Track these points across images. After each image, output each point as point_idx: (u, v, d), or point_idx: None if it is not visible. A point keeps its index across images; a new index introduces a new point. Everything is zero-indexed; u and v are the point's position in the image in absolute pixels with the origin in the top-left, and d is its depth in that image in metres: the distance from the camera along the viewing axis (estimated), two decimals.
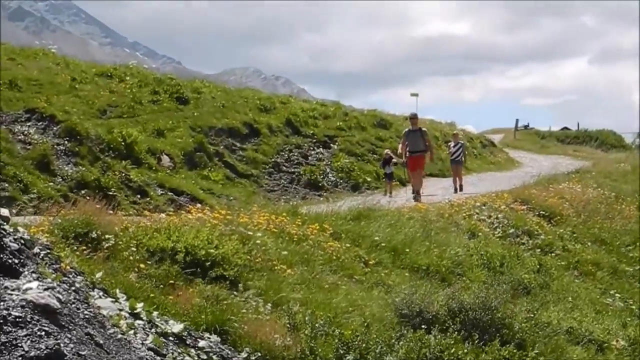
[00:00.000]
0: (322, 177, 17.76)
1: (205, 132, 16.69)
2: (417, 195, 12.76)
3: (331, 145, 20.27)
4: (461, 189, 15.58)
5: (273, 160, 17.59)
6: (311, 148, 19.52)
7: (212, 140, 16.60)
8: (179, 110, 17.67)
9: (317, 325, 5.18)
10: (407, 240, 8.42)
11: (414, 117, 13.88)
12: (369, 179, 17.79)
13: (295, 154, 18.61)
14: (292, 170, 17.67)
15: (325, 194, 16.61)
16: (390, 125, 25.37)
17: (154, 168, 13.47)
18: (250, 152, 17.30)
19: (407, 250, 8.07)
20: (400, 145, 13.93)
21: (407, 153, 13.38)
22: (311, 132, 20.45)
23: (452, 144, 16.90)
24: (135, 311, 4.42)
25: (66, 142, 12.36)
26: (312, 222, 7.95)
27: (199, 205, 8.12)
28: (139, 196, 11.74)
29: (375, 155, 19.78)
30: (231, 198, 13.70)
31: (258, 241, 6.49)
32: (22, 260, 3.71)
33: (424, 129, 14.03)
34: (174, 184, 12.98)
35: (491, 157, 28.35)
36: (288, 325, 5.12)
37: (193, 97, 19.05)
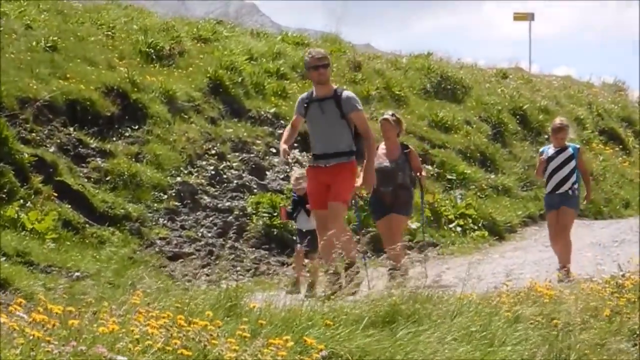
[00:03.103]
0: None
1: (10, 112, 16.80)
2: (352, 272, 12.23)
3: None
4: (566, 273, 14.49)
5: (179, 180, 17.73)
6: (272, 149, 19.67)
7: (27, 134, 16.72)
8: None
9: None
10: None
11: (317, 64, 13.40)
12: (411, 224, 18.03)
13: (235, 164, 18.76)
14: (227, 204, 17.82)
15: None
16: (466, 90, 25.60)
17: None
18: (122, 161, 17.48)
19: None
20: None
21: (310, 158, 13.56)
22: (271, 109, 20.64)
23: (549, 148, 16.46)
24: None
25: None
26: (275, 331, 8.07)
27: None
28: None
29: (426, 166, 20.05)
30: (76, 273, 13.73)
31: None
32: None
33: (346, 92, 13.62)
34: None
35: None
36: None
37: None
